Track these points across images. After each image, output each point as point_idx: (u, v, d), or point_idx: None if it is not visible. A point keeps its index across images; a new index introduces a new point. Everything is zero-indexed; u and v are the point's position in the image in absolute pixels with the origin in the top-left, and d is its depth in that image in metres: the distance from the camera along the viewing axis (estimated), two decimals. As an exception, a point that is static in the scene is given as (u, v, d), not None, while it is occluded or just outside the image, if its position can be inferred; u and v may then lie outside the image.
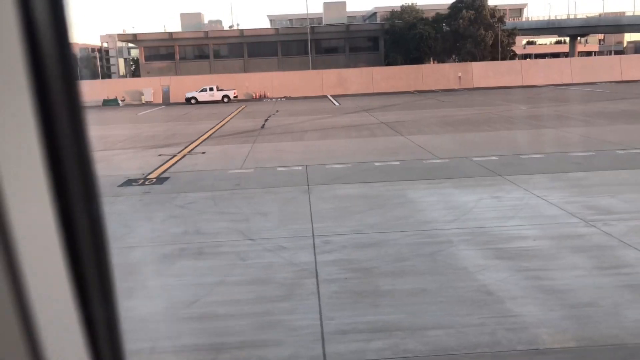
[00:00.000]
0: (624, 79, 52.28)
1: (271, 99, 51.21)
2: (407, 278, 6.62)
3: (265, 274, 6.92)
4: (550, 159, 13.96)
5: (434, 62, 59.21)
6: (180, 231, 9.09)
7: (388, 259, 7.34)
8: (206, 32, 65.12)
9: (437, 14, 58.53)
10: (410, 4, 64.97)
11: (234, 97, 49.06)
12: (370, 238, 8.24)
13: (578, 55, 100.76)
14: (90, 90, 53.20)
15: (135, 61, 79.40)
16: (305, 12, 66.42)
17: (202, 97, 48.24)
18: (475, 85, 52.77)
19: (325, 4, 69.58)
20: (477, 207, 9.68)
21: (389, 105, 36.12)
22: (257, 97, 52.33)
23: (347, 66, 60.58)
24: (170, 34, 64.88)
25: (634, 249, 7.18)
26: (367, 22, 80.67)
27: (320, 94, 52.02)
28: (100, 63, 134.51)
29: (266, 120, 29.45)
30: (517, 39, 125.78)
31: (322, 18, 74.36)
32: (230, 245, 8.19)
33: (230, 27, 74.47)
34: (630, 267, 6.62)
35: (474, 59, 55.93)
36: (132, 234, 9.11)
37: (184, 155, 17.77)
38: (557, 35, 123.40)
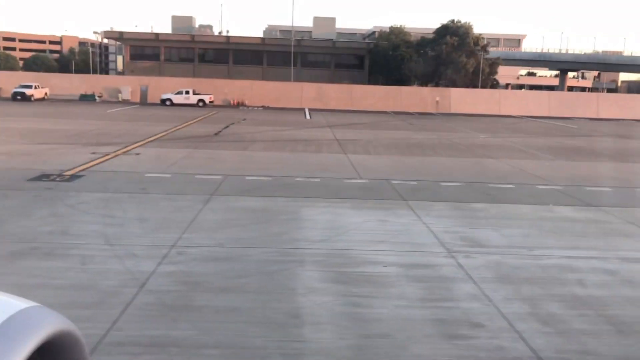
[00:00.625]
0: (600, 116, 52.76)
1: (249, 107, 51.21)
2: (230, 295, 6.53)
3: (92, 281, 6.80)
4: (465, 188, 13.96)
5: (414, 85, 59.51)
6: (47, 230, 8.95)
7: (228, 274, 7.24)
8: (192, 36, 65.26)
9: (422, 37, 58.99)
10: (399, 26, 65.48)
11: (210, 102, 49.01)
12: (227, 252, 8.14)
13: (568, 90, 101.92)
14: (70, 85, 53.07)
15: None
16: (304, 24, 66.70)
17: (177, 99, 48.17)
18: (453, 111, 53.06)
19: (315, 18, 70.00)
20: (356, 230, 9.62)
21: (357, 123, 36.20)
22: (235, 104, 52.31)
23: (332, 81, 60.82)
24: (157, 34, 64.95)
25: (472, 283, 7.13)
26: (366, 40, 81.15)
27: (299, 107, 52.09)
28: (99, 59, 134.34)
29: (226, 127, 29.39)
30: (513, 69, 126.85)
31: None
32: (84, 248, 8.06)
33: (220, 33, 74.63)
34: (454, 302, 6.55)
35: (454, 85, 56.28)
36: (-3, 228, 8.97)
37: (117, 155, 17.64)
38: (547, 69, 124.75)
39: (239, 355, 5.10)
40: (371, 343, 5.45)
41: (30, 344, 0.95)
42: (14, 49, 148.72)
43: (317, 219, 10.34)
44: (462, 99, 53.79)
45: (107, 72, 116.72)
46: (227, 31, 76.62)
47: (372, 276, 7.35)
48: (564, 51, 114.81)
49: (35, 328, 0.99)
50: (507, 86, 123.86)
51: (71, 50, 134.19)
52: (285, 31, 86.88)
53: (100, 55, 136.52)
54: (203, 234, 9.08)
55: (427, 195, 12.91)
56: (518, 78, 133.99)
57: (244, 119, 35.71)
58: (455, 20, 57.55)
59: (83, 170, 14.68)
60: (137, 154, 18.26)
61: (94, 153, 17.77)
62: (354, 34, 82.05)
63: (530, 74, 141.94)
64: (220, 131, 27.16)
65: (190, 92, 48.65)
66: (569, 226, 10.45)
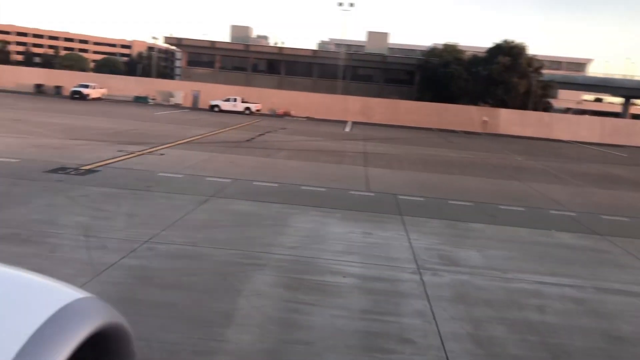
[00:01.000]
0: (659, 146, 50.43)
1: (293, 117, 51.77)
2: (174, 291, 6.65)
3: (51, 268, 7.07)
4: (472, 208, 13.68)
5: (463, 104, 58.63)
6: (36, 218, 9.36)
7: (184, 272, 7.38)
8: (247, 46, 66.55)
9: (474, 55, 58.13)
10: (453, 43, 64.73)
11: (257, 110, 49.86)
12: (195, 251, 8.30)
13: (632, 117, 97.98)
14: (126, 86, 55.18)
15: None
16: (360, 38, 66.98)
17: (225, 106, 49.26)
18: (500, 132, 51.98)
19: (369, 32, 70.10)
20: (334, 240, 9.60)
21: (395, 137, 36.02)
22: (281, 113, 52.99)
23: (381, 96, 60.73)
24: (213, 42, 66.62)
25: (425, 301, 7.00)
26: (428, 57, 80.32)
27: (343, 119, 52.30)
28: (165, 64, 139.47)
29: (261, 135, 29.84)
30: (576, 94, 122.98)
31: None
32: (60, 237, 8.39)
33: (275, 44, 75.91)
34: (396, 317, 6.45)
35: (505, 105, 55.09)
36: (-9, 214, 9.46)
37: (142, 154, 18.22)
38: (610, 94, 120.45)
39: (149, 347, 5.20)
40: (288, 348, 5.45)
41: (82, 334, 0.98)
42: (87, 51, 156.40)
43: (301, 226, 10.38)
44: (511, 120, 52.59)
45: (172, 77, 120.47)
46: (282, 42, 77.74)
47: (326, 285, 7.32)
48: (629, 77, 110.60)
49: (88, 318, 1.03)
50: (567, 110, 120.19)
51: (139, 55, 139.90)
52: (339, 45, 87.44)
53: (167, 60, 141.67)
54: (182, 232, 9.27)
55: (427, 212, 12.72)
56: (580, 103, 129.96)
57: (283, 128, 36.14)
58: (509, 40, 56.41)
59: (101, 166, 15.25)
60: (162, 154, 18.81)
61: (120, 151, 18.43)
62: (407, 50, 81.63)
63: (597, 100, 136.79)
64: (253, 138, 27.60)
65: (238, 99, 49.66)
66: (560, 252, 10.07)
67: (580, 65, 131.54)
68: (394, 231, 10.58)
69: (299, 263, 8.15)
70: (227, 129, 32.04)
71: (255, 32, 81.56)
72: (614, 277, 8.79)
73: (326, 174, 17.62)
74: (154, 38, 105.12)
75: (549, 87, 57.95)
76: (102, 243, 8.27)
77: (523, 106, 56.99)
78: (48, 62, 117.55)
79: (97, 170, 14.48)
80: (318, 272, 7.83)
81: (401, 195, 14.57)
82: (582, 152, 37.22)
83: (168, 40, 67.76)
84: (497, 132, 51.83)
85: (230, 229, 9.80)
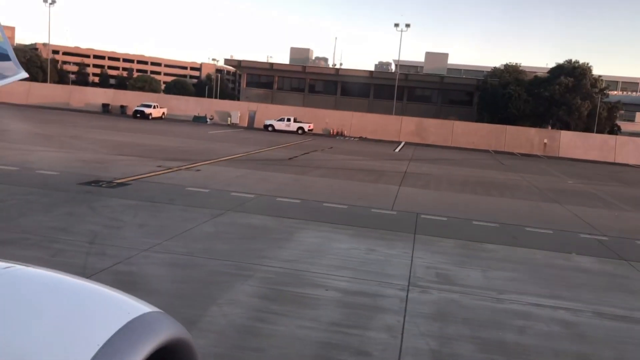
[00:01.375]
0: None
1: (346, 137, 52.03)
2: (152, 296, 6.86)
3: (45, 269, 7.47)
4: (495, 229, 13.31)
5: (523, 125, 57.15)
6: (51, 225, 9.91)
7: (170, 279, 7.62)
8: (304, 67, 67.72)
9: (536, 76, 56.66)
10: (514, 64, 63.46)
11: (309, 130, 50.49)
12: (188, 260, 8.53)
13: None
14: (186, 106, 57.26)
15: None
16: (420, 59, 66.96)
17: (278, 125, 50.18)
18: (561, 155, 50.19)
19: (427, 53, 69.86)
20: (334, 255, 9.61)
21: (445, 158, 35.54)
22: (334, 133, 53.38)
23: (438, 117, 60.23)
24: (272, 64, 68.27)
25: (400, 316, 6.90)
26: (486, 78, 79.36)
27: (396, 139, 52.07)
28: (233, 85, 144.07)
29: (306, 153, 30.18)
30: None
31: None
32: (66, 243, 8.85)
33: (334, 65, 76.86)
34: (363, 330, 6.40)
35: (567, 127, 53.27)
36: (4, 217, 10.09)
37: (179, 170, 18.86)
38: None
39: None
40: (238, 354, 5.53)
41: (149, 347, 1.02)
42: (159, 73, 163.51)
43: (306, 241, 10.45)
44: (573, 143, 50.70)
45: (238, 98, 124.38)
46: (341, 64, 78.62)
47: (305, 297, 7.36)
48: None
49: (155, 332, 1.06)
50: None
51: (208, 76, 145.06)
52: (402, 66, 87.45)
53: (234, 82, 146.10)
54: (184, 242, 9.56)
55: (445, 231, 12.49)
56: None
57: (331, 147, 36.40)
58: (573, 60, 54.69)
59: (135, 179, 15.91)
60: (198, 170, 19.39)
61: (159, 166, 19.15)
62: (467, 71, 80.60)
63: None
64: (296, 156, 27.96)
65: (292, 119, 50.46)
66: (572, 275, 9.65)
67: (634, 84, 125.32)
68: (400, 249, 10.47)
69: (287, 275, 8.22)
70: (274, 147, 32.61)
71: (315, 54, 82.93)
72: (621, 303, 8.34)
73: (355, 191, 17.62)
74: (213, 60, 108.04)
75: (616, 109, 55.52)
76: (102, 250, 8.65)
77: (587, 129, 54.92)
78: (122, 83, 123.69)
79: (129, 184, 15.11)
80: (302, 284, 7.88)
81: (425, 214, 14.38)
82: (645, 177, 35.38)
83: (228, 62, 69.98)
84: (557, 155, 50.09)
85: (234, 241, 10.01)
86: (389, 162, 29.40)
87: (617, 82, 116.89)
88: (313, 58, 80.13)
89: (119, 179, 15.73)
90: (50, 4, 66.33)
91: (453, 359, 5.84)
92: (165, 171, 18.23)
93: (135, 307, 1.11)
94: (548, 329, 6.95)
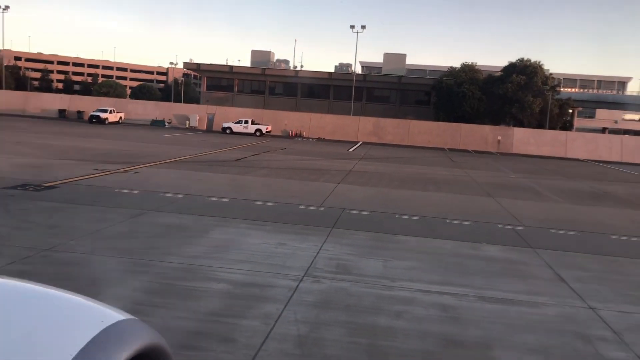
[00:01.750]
0: (681, 164, 48.88)
1: (305, 138, 52.25)
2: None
3: None
4: (416, 221, 13.63)
5: (480, 124, 58.23)
6: (-45, 228, 9.83)
7: (54, 276, 7.66)
8: (263, 69, 67.75)
9: (490, 75, 57.77)
10: (470, 63, 64.55)
11: (267, 131, 50.55)
12: (85, 259, 8.57)
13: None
14: (144, 110, 56.71)
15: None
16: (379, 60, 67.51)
17: (236, 128, 50.13)
18: (515, 151, 51.27)
19: (386, 54, 70.57)
20: (240, 249, 9.75)
21: (396, 157, 36.02)
22: (293, 135, 53.55)
23: (397, 117, 60.88)
24: (231, 67, 68.11)
25: (280, 304, 7.08)
26: (442, 77, 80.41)
27: (354, 140, 52.50)
28: (191, 88, 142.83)
29: (256, 155, 30.26)
30: (613, 113, 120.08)
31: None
32: (-36, 244, 8.80)
33: (294, 67, 77.07)
34: (235, 318, 6.55)
35: (520, 124, 54.44)
36: None
37: (116, 173, 18.75)
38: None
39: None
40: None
41: (125, 354, 1.00)
42: (125, 78, 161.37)
43: (218, 237, 10.57)
44: (525, 140, 51.84)
45: (197, 101, 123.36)
46: (302, 66, 78.88)
47: (192, 290, 7.48)
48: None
49: (130, 340, 1.05)
50: (604, 130, 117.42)
51: (175, 81, 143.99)
52: (365, 67, 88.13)
53: (195, 84, 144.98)
54: (89, 242, 9.58)
55: (364, 225, 12.74)
56: (616, 122, 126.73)
57: (283, 149, 36.54)
58: (525, 58, 55.94)
59: (65, 183, 15.79)
60: (136, 172, 19.32)
61: (96, 169, 19.02)
62: (425, 71, 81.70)
63: None
64: (245, 157, 28.02)
65: (249, 121, 50.46)
66: (472, 263, 9.98)
67: (619, 84, 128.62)
68: (312, 242, 10.66)
69: (183, 271, 8.33)
70: (226, 149, 32.61)
71: (277, 57, 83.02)
72: (508, 287, 8.68)
73: (291, 190, 17.80)
74: (171, 63, 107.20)
75: (567, 105, 56.97)
76: (1, 250, 8.63)
77: (540, 125, 56.22)
78: (87, 89, 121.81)
79: (57, 187, 15.00)
80: (195, 279, 8.00)
81: (351, 210, 14.63)
82: (590, 171, 36.40)
83: (187, 65, 69.58)
84: (511, 152, 51.16)
85: (142, 240, 10.07)
86: (338, 162, 29.68)
87: (575, 80, 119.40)
88: (274, 60, 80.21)
89: (49, 182, 15.60)
90: (4, 10, 65.06)
91: (317, 342, 6.04)
92: (101, 174, 18.12)
93: (108, 315, 1.10)
94: (425, 313, 7.22)
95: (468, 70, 62.98)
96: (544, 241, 12.39)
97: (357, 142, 50.55)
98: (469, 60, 66.62)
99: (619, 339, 6.80)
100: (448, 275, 9.08)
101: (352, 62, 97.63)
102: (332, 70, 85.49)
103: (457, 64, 67.33)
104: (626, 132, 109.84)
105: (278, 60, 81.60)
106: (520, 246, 11.76)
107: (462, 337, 6.48)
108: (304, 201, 15.52)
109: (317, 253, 9.84)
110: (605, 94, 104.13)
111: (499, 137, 52.05)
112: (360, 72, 75.65)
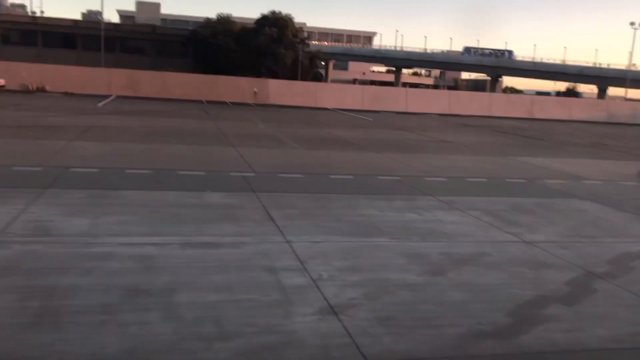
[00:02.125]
0: (408, 110, 55.84)
1: (49, 92, 47.34)
2: None
3: None
4: (139, 175, 13.30)
5: (237, 75, 59.04)
6: None
7: None
8: (-8, 14, 59.15)
9: (243, 27, 58.56)
10: (226, 14, 64.43)
11: (1, 86, 44.58)
12: None
13: (403, 86, 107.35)
14: None
15: None
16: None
17: (-42, 82, 43.22)
18: (271, 102, 53.15)
19: (138, 3, 66.85)
20: None
21: (149, 110, 34.76)
22: (34, 89, 48.06)
23: (154, 69, 58.43)
24: (-50, 10, 58.00)
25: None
26: (197, 28, 78.91)
27: (108, 93, 49.16)
28: None
29: (-22, 112, 26.46)
30: (362, 65, 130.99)
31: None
32: None
33: (33, 13, 68.56)
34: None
35: (275, 76, 56.54)
36: None
37: None
38: (384, 65, 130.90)
39: None
40: None
41: None
42: None
43: None
44: (280, 91, 54.09)
45: None
46: (42, 12, 70.63)
47: None
48: (399, 49, 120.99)
49: None
50: (354, 81, 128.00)
51: None
52: (122, 16, 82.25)
53: None
54: None
55: (85, 183, 12.03)
56: (364, 74, 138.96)
57: (17, 104, 32.60)
58: (277, 11, 57.76)
59: None
60: None
61: None
62: (183, 21, 79.61)
63: (390, 72, 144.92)
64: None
65: (-25, 74, 43.88)
66: (188, 212, 10.06)
67: (365, 38, 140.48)
68: (13, 206, 9.67)
69: None
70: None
71: (10, 0, 73.05)
72: (217, 232, 8.97)
73: (7, 150, 15.96)
74: None
75: (317, 58, 60.74)
76: None
77: (293, 77, 59.08)
78: None
79: None
80: None
81: (76, 168, 13.68)
82: (334, 119, 39.57)
83: None
84: (267, 103, 52.94)
85: None
86: (81, 117, 27.48)
87: (328, 34, 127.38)
88: (8, 5, 70.39)
89: None
90: None
91: None
92: None
93: None
94: (119, 266, 7.05)
95: (224, 21, 62.99)
96: (268, 185, 13.10)
97: (111, 96, 47.46)
98: (226, 10, 66.63)
99: (302, 267, 7.48)
100: (158, 226, 9.02)
101: (103, 9, 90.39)
102: (79, 17, 78.08)
103: (213, 14, 66.75)
104: (372, 82, 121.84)
105: (13, 5, 71.75)
106: (244, 191, 12.24)
107: (149, 286, 6.48)
108: (21, 162, 14.04)
109: (18, 217, 8.97)
110: (359, 48, 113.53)
111: (255, 89, 53.42)
112: (117, 22, 70.66)
